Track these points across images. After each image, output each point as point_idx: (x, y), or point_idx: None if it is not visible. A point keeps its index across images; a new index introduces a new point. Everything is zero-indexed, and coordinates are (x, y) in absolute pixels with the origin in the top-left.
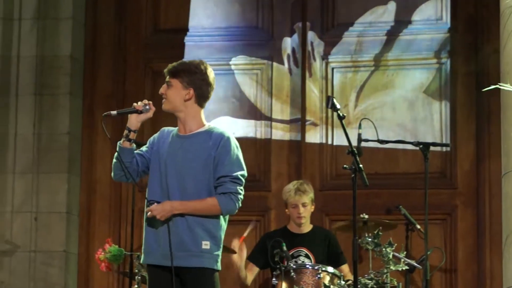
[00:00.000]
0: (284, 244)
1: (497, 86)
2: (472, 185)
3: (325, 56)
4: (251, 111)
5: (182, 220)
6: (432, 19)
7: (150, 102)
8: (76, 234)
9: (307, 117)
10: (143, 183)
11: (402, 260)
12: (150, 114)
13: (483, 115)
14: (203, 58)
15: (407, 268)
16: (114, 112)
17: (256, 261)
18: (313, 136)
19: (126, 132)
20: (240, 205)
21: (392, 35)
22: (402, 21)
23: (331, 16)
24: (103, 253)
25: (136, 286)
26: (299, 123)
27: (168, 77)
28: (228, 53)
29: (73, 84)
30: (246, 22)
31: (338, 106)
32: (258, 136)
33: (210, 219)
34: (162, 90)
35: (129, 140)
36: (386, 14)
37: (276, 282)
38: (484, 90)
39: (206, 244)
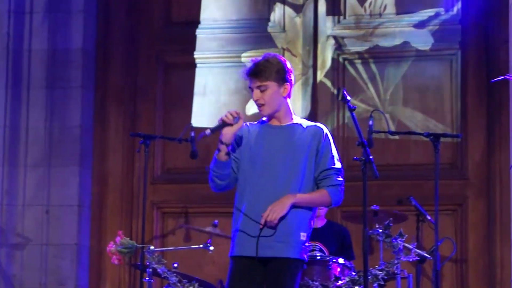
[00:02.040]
0: None
1: (505, 77)
2: (483, 176)
3: (337, 48)
4: None
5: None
6: (444, 10)
7: (239, 112)
8: (88, 227)
9: (319, 109)
10: (157, 172)
11: (413, 250)
12: (241, 123)
13: (494, 106)
14: (215, 51)
15: (418, 258)
16: (208, 132)
17: None
18: None
19: (223, 146)
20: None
21: (403, 26)
22: (412, 12)
23: (343, 8)
24: (114, 245)
25: (147, 278)
26: (311, 114)
27: (257, 81)
28: (239, 45)
29: (85, 77)
30: (258, 14)
31: (348, 97)
32: None
33: (307, 210)
34: (257, 96)
35: (228, 154)
36: (397, 5)
37: None
38: (492, 81)
39: (303, 236)
